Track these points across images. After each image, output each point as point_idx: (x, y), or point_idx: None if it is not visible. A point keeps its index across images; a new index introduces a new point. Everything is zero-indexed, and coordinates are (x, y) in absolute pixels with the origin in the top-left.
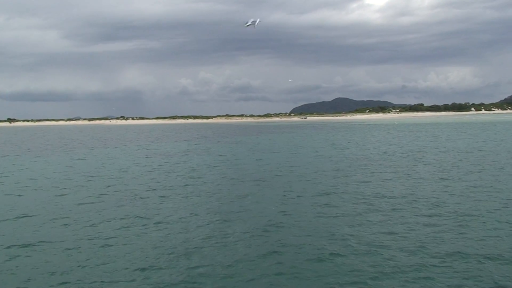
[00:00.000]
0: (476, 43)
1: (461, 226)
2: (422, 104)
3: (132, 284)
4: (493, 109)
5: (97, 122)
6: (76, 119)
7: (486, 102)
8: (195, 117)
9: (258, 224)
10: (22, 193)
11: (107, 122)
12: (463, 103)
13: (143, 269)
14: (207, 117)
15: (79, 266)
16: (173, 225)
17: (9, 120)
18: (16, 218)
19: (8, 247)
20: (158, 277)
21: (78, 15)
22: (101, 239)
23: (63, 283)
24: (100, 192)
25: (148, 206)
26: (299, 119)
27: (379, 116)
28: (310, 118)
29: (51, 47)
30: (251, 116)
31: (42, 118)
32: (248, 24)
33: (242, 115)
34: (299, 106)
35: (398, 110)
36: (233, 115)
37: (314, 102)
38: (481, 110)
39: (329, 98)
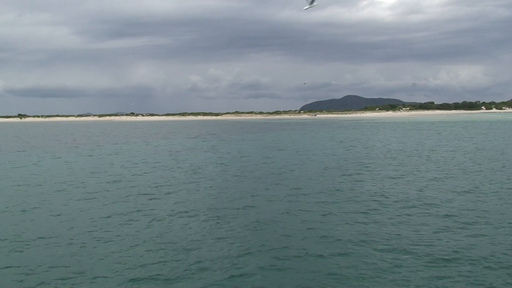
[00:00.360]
0: (487, 41)
1: (465, 228)
2: (432, 103)
3: (132, 278)
4: (504, 107)
5: (107, 118)
6: (86, 115)
7: (497, 100)
8: (204, 114)
9: (259, 221)
10: (25, 188)
11: (117, 118)
12: (474, 101)
13: (144, 265)
14: (217, 114)
15: (80, 261)
16: (175, 221)
17: (20, 115)
18: (18, 212)
19: (10, 242)
20: (157, 271)
21: (88, 12)
22: (102, 234)
23: (62, 278)
24: (105, 187)
25: (152, 202)
26: (309, 116)
27: (389, 114)
28: (320, 116)
29: (62, 43)
30: (261, 113)
31: (52, 114)
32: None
33: (251, 112)
34: (308, 104)
35: (408, 108)
36: (243, 112)
37: (324, 100)
38: (491, 108)
39: (339, 95)
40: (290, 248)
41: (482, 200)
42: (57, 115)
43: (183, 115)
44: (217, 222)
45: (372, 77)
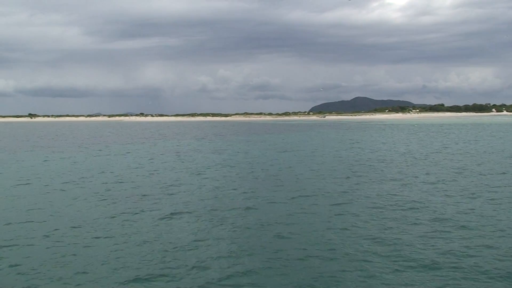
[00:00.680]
0: (498, 43)
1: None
2: (442, 105)
3: (135, 278)
4: None
5: (117, 118)
6: (96, 115)
7: (508, 103)
8: (213, 114)
9: (263, 222)
10: (29, 187)
11: (126, 118)
12: (484, 104)
13: (147, 264)
14: (226, 115)
15: (82, 260)
16: (178, 222)
17: (30, 115)
18: (22, 213)
19: (14, 241)
20: (160, 271)
21: (99, 12)
22: (104, 233)
23: (65, 277)
24: (109, 187)
25: (155, 202)
26: (318, 118)
27: (399, 116)
28: (329, 117)
29: (73, 43)
30: (270, 114)
31: (62, 114)
32: None
33: (260, 113)
34: (318, 105)
35: (418, 110)
36: (252, 113)
37: (334, 101)
38: (502, 111)
39: (348, 97)
40: (291, 250)
41: (496, 204)
42: (67, 115)
43: (192, 115)
44: (220, 223)
45: (382, 79)
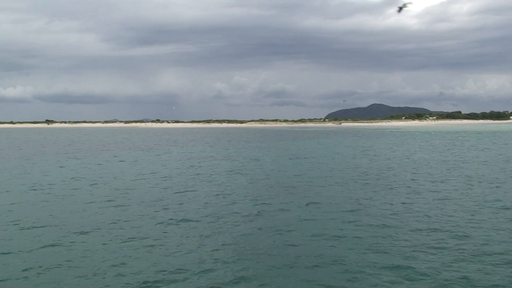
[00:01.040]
0: None
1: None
2: (459, 112)
3: (145, 281)
4: None
5: (133, 124)
6: (112, 122)
7: None
8: (229, 121)
9: (271, 227)
10: (37, 193)
11: (142, 125)
12: (502, 111)
13: (162, 271)
14: (241, 122)
15: (92, 264)
16: (186, 227)
17: (47, 121)
18: (35, 217)
19: (31, 247)
20: (167, 275)
21: (116, 19)
22: (112, 237)
23: (76, 281)
24: (118, 194)
25: (166, 207)
26: (333, 124)
27: (415, 123)
28: (345, 124)
29: (90, 50)
30: (285, 121)
31: (79, 120)
32: (400, 9)
33: (276, 120)
34: (334, 112)
35: (435, 118)
36: (267, 120)
37: (350, 108)
38: None
39: (364, 104)
40: (298, 257)
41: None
42: (84, 121)
43: (207, 122)
44: (228, 229)
45: (399, 86)
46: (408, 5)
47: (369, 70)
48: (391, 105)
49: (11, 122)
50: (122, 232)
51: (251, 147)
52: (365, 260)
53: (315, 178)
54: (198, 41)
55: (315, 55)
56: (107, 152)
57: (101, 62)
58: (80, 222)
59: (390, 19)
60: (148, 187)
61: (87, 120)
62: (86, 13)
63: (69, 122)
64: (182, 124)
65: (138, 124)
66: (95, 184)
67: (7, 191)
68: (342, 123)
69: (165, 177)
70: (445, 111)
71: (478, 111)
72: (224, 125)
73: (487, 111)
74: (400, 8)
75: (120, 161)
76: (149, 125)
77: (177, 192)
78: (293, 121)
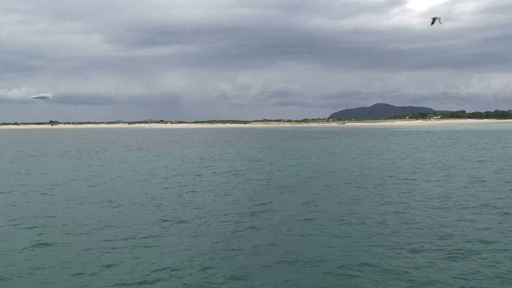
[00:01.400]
0: None
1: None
2: (464, 111)
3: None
4: None
5: (137, 125)
6: (116, 122)
7: None
8: (232, 121)
9: (276, 229)
10: (48, 196)
11: (146, 125)
12: (506, 110)
13: (159, 270)
14: (245, 122)
15: (92, 265)
16: (188, 226)
17: (51, 122)
18: (37, 219)
19: (30, 247)
20: (170, 274)
21: (120, 20)
22: (119, 237)
23: (79, 280)
24: (119, 193)
25: (166, 207)
26: (337, 124)
27: (419, 122)
28: (348, 124)
29: (94, 51)
30: (289, 121)
31: (83, 121)
32: (433, 21)
33: (279, 120)
34: (337, 112)
35: (439, 117)
36: (271, 120)
37: (353, 108)
38: None
39: (368, 103)
40: (293, 254)
41: None
42: (88, 122)
43: (211, 122)
44: (229, 229)
45: (403, 85)
46: (441, 20)
47: (373, 69)
48: (395, 105)
49: (15, 123)
50: (120, 231)
51: (254, 147)
52: (359, 261)
53: (315, 178)
54: (202, 41)
55: (319, 55)
56: (107, 152)
57: (105, 63)
58: (77, 222)
59: (394, 19)
60: (148, 187)
61: (91, 121)
62: (90, 14)
63: (73, 123)
64: (186, 124)
65: (142, 125)
66: (95, 185)
67: (7, 191)
68: (346, 123)
69: (165, 177)
70: (449, 110)
71: (483, 110)
72: (228, 125)
73: (492, 110)
74: (433, 20)
75: (120, 162)
76: (153, 125)
77: (177, 192)
78: (297, 121)
